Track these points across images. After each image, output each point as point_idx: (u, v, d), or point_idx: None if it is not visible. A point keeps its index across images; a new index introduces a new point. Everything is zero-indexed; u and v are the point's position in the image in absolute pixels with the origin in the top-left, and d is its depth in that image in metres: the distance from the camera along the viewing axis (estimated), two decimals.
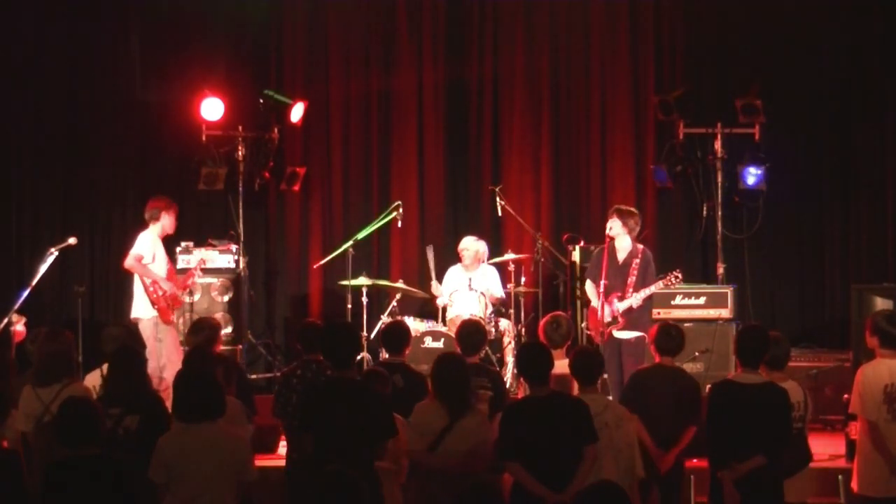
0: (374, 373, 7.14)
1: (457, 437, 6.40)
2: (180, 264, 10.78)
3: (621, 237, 9.62)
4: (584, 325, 9.98)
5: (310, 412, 6.38)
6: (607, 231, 9.76)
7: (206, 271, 10.88)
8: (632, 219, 9.64)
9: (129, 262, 9.85)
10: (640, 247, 9.71)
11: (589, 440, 6.18)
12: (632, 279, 9.47)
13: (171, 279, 9.92)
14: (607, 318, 9.48)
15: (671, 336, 7.42)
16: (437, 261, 11.19)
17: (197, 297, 10.83)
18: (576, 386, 7.35)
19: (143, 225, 10.05)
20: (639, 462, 6.68)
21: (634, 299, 9.40)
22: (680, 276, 9.54)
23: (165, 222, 9.98)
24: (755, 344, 6.61)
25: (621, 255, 9.66)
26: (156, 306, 9.73)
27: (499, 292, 11.03)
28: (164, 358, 9.45)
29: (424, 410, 6.48)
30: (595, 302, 9.55)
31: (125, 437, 6.22)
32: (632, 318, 9.34)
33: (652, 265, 9.64)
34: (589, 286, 9.77)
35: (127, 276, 10.15)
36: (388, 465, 6.41)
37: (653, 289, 9.47)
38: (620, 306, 9.41)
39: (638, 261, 9.54)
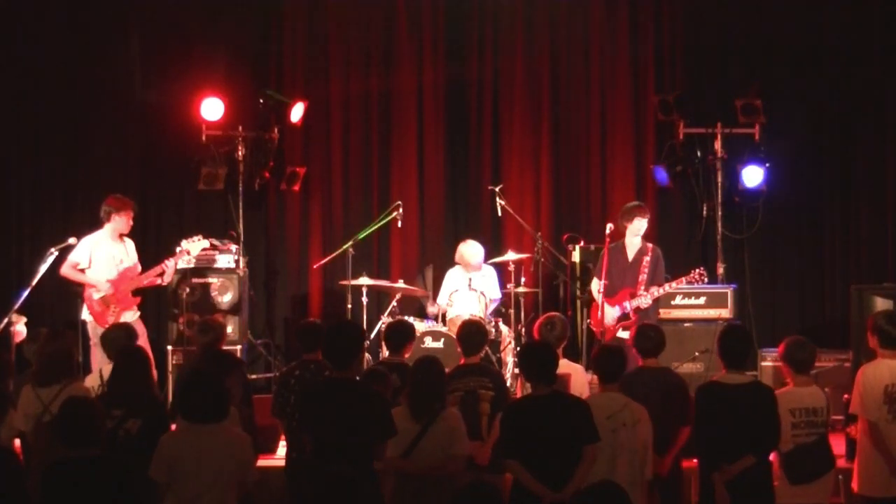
0: (373, 372, 7.13)
1: (430, 442, 6.40)
2: (180, 264, 10.73)
3: (630, 235, 9.66)
4: (588, 321, 9.98)
5: (308, 413, 6.38)
6: (606, 232, 9.80)
7: (206, 271, 10.86)
8: (634, 213, 9.73)
9: (63, 268, 9.89)
10: (650, 245, 9.75)
11: (588, 440, 6.18)
12: (643, 277, 9.52)
13: (121, 279, 9.87)
14: (613, 317, 9.52)
15: (649, 336, 7.39)
16: (435, 269, 11.20)
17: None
18: (572, 385, 7.39)
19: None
20: (650, 463, 6.66)
21: (643, 299, 9.45)
22: (704, 272, 9.59)
23: (116, 223, 9.96)
24: (737, 345, 6.61)
25: (631, 253, 9.71)
26: (91, 312, 9.79)
27: (495, 294, 11.00)
28: (99, 363, 9.03)
29: (398, 416, 6.43)
30: (608, 318, 9.61)
31: (125, 440, 6.20)
32: (640, 316, 9.40)
33: (661, 262, 9.72)
34: (594, 283, 9.82)
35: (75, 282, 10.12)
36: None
37: (666, 288, 9.51)
38: (631, 304, 9.46)
39: (648, 258, 9.59)
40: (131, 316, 9.94)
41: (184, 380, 6.20)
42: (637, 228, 9.76)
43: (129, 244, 10.14)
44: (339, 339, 6.50)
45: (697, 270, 9.57)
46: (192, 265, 10.62)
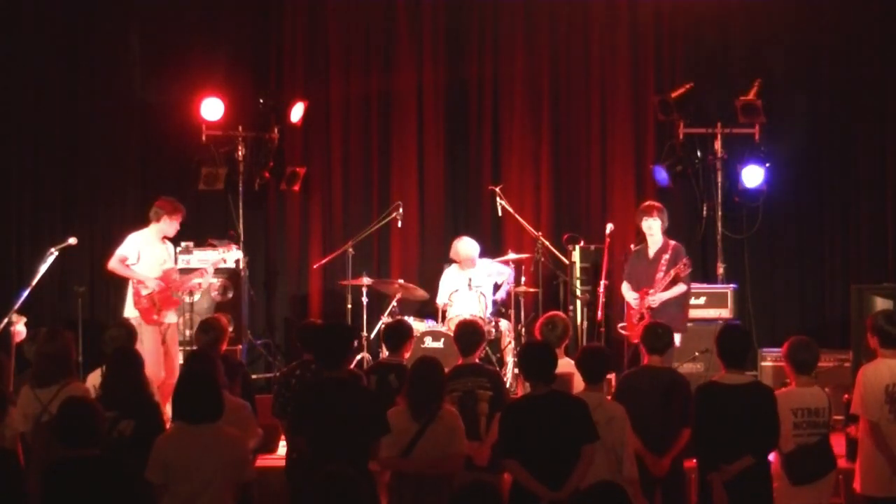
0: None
1: (429, 441, 6.41)
2: (180, 264, 10.75)
3: (652, 233, 9.60)
4: (622, 326, 9.93)
5: (303, 413, 6.38)
6: (607, 232, 9.77)
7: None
8: (640, 215, 9.69)
9: (111, 263, 9.94)
10: (672, 242, 9.67)
11: (587, 439, 6.18)
12: (659, 275, 9.44)
13: (165, 279, 9.91)
14: (635, 317, 9.49)
15: (657, 334, 7.36)
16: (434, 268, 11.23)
17: (196, 297, 10.79)
18: (574, 384, 7.38)
19: (145, 222, 10.06)
20: (629, 463, 6.62)
21: (652, 299, 9.38)
22: (688, 262, 9.49)
23: (165, 226, 9.98)
24: (735, 344, 6.60)
25: (652, 251, 9.64)
26: (137, 307, 9.77)
27: (501, 278, 10.98)
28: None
29: (397, 416, 6.45)
30: (630, 300, 9.56)
31: (119, 442, 6.20)
32: (656, 316, 9.13)
33: (681, 258, 9.54)
34: (623, 287, 9.76)
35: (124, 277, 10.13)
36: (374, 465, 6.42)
37: (672, 292, 9.38)
38: (643, 304, 9.41)
39: (667, 256, 9.51)
40: (173, 317, 10.00)
41: (178, 380, 6.19)
42: (646, 228, 9.67)
43: (171, 247, 10.20)
44: (328, 339, 6.53)
45: (682, 261, 9.48)
46: (190, 265, 10.63)
